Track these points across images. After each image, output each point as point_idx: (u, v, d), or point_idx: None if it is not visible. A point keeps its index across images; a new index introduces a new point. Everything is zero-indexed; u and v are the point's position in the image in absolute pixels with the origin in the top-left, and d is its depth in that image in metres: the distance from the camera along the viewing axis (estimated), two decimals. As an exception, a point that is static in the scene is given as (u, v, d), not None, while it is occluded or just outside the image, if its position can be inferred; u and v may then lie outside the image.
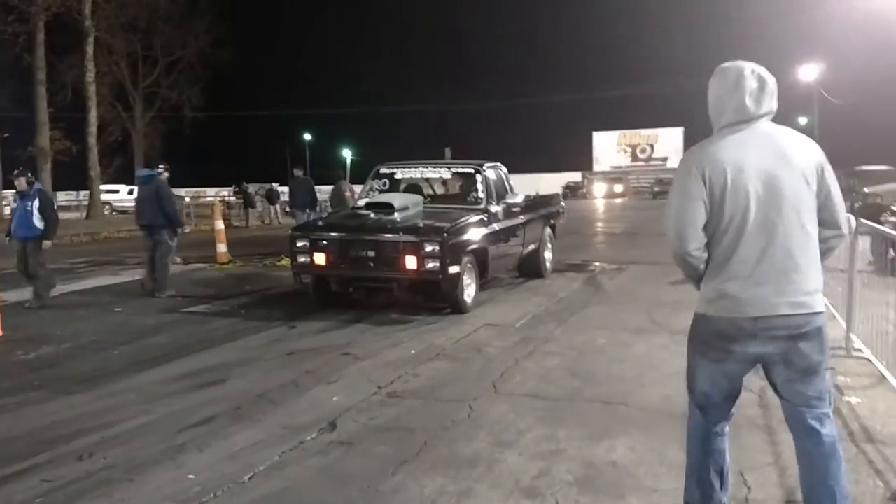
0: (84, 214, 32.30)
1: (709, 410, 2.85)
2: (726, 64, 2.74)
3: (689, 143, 58.94)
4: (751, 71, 2.68)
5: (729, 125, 2.68)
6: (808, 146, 2.67)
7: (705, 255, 2.68)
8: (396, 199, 8.48)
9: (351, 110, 74.15)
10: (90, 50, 31.44)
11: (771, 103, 2.68)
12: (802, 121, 47.20)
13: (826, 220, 2.66)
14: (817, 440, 2.66)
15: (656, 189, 48.33)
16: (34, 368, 5.93)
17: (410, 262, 7.39)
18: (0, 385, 5.43)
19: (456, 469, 3.66)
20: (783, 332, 2.58)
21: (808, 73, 39.32)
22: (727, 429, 2.90)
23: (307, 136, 62.70)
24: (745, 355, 2.67)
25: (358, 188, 11.74)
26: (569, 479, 3.51)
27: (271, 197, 28.53)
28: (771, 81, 2.69)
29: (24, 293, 9.72)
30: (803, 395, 2.67)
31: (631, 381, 5.12)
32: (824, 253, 2.69)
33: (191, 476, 3.65)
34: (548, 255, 10.36)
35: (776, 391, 2.79)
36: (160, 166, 9.98)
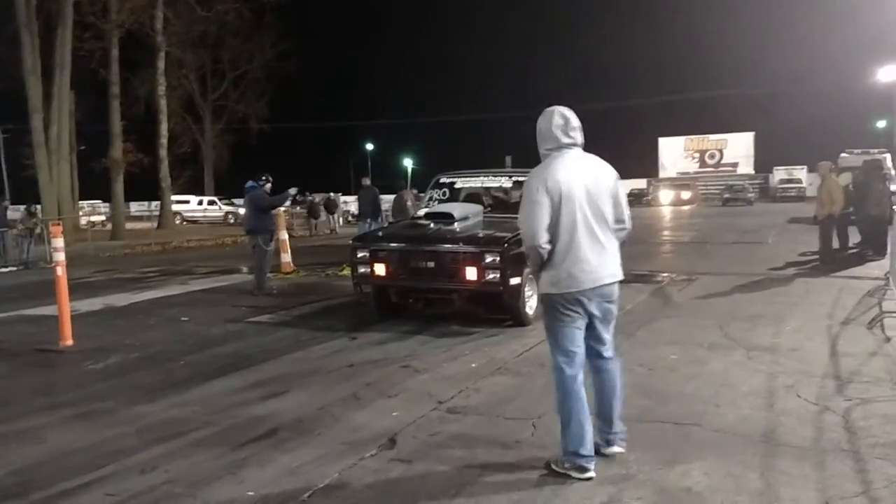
0: (155, 224, 33.31)
1: (574, 362, 3.71)
2: (548, 108, 3.84)
3: (759, 148, 57.81)
4: (560, 113, 3.80)
5: (550, 152, 3.80)
6: (609, 168, 3.88)
7: (549, 247, 3.66)
8: (456, 208, 8.38)
9: (413, 120, 74.50)
10: (161, 65, 32.51)
11: (578, 136, 3.80)
12: (881, 124, 45.33)
13: (618, 218, 3.83)
14: (612, 365, 3.88)
15: (726, 196, 46.89)
16: (102, 378, 6.04)
17: (470, 273, 7.28)
18: (69, 395, 5.55)
19: (519, 492, 3.51)
20: (606, 296, 3.76)
21: (889, 74, 37.63)
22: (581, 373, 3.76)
23: (369, 146, 63.38)
24: (585, 314, 3.71)
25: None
26: (640, 507, 3.32)
27: (329, 206, 28.91)
28: (574, 120, 3.81)
29: (96, 303, 10.03)
30: (601, 337, 3.82)
31: (705, 400, 4.87)
32: (619, 239, 3.90)
33: (250, 493, 3.61)
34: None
35: (590, 337, 3.78)
36: (263, 177, 10.80)
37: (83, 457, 4.19)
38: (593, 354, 3.83)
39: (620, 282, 3.86)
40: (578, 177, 3.68)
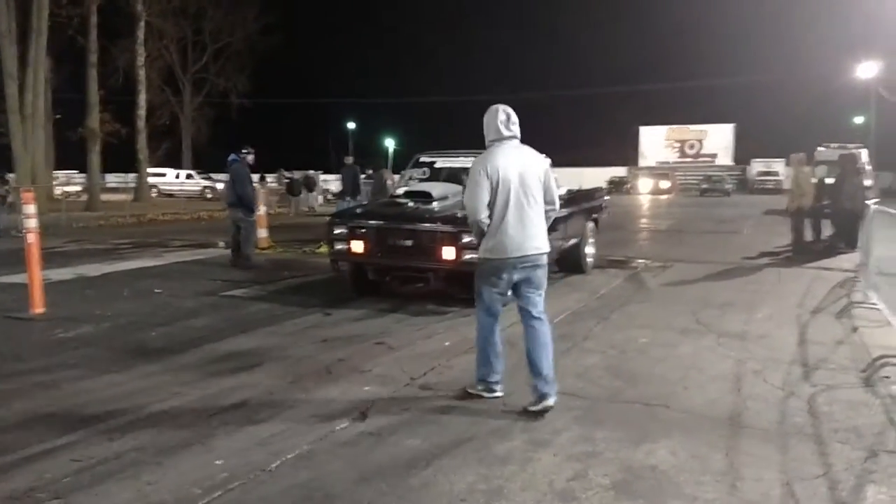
0: (131, 197, 32.88)
1: (491, 314, 4.52)
2: (493, 105, 4.52)
3: (739, 140, 58.22)
4: (503, 110, 4.48)
5: (492, 141, 4.49)
6: (539, 158, 4.55)
7: (488, 221, 4.35)
8: (435, 188, 8.36)
9: (394, 100, 74.09)
10: (141, 34, 31.98)
11: (516, 130, 4.50)
12: (858, 120, 45.84)
13: (547, 200, 4.52)
14: (540, 324, 4.49)
15: (704, 186, 47.21)
16: (72, 347, 5.97)
17: (448, 253, 7.28)
18: (38, 362, 5.49)
19: (487, 466, 3.54)
20: (530, 264, 4.42)
21: (867, 70, 38.04)
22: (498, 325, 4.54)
23: (351, 125, 62.92)
24: (510, 278, 4.43)
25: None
26: (605, 483, 3.36)
27: (308, 184, 28.71)
28: (514, 117, 4.50)
29: (67, 272, 9.91)
30: (534, 301, 4.50)
31: (674, 382, 4.93)
32: (547, 218, 4.56)
33: (219, 461, 3.61)
34: (589, 250, 10.15)
35: (518, 299, 4.53)
36: (244, 150, 10.71)
37: (50, 423, 4.15)
38: (524, 314, 4.52)
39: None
40: (513, 164, 4.39)
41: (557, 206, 4.65)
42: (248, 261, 10.53)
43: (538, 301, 4.51)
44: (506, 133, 4.46)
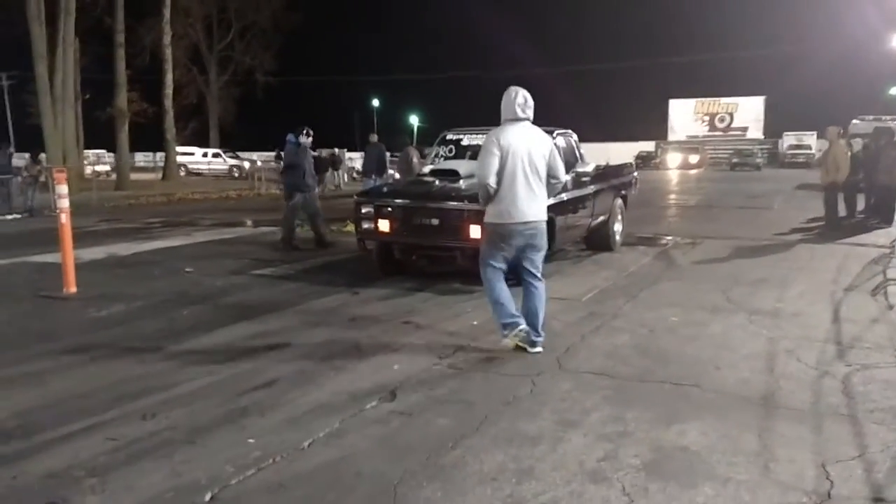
0: (160, 175, 33.22)
1: (496, 269, 5.12)
2: (512, 87, 5.12)
3: (769, 112, 57.13)
4: (522, 94, 5.08)
5: (508, 120, 5.08)
6: (546, 138, 5.16)
7: (496, 188, 4.95)
8: (462, 166, 8.30)
9: (419, 76, 73.72)
10: (167, 13, 32.03)
11: (529, 113, 5.10)
12: (894, 91, 44.66)
13: (552, 175, 5.13)
14: (539, 283, 5.14)
15: (735, 160, 46.43)
16: (105, 326, 6.07)
17: (475, 231, 7.21)
18: (72, 341, 5.58)
19: (517, 447, 3.54)
20: (532, 230, 5.02)
21: (903, 40, 36.97)
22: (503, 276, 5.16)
23: (375, 103, 62.81)
24: (516, 243, 5.03)
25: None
26: (636, 464, 3.34)
27: (335, 162, 28.75)
28: (530, 101, 5.10)
29: (99, 252, 10.06)
30: (534, 262, 5.12)
31: (705, 362, 4.87)
32: (551, 190, 5.23)
33: (251, 440, 3.64)
34: (618, 227, 10.05)
35: (521, 261, 5.11)
36: (303, 131, 10.37)
37: (85, 402, 4.22)
38: (525, 274, 5.15)
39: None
40: (523, 141, 5.00)
41: (563, 179, 5.29)
42: (286, 243, 10.29)
43: (539, 262, 5.16)
44: (521, 115, 5.07)
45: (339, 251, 10.05)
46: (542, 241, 5.11)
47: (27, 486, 3.21)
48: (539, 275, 5.14)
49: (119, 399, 4.25)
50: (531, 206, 4.98)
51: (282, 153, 12.73)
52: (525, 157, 4.96)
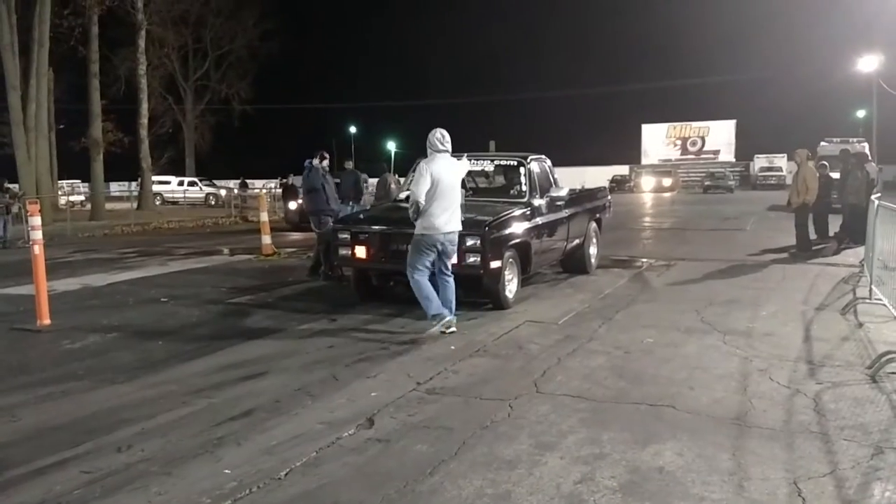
0: (135, 205, 32.95)
1: (422, 273, 6.48)
2: (436, 128, 6.65)
3: (741, 136, 58.13)
4: (441, 132, 6.64)
5: (433, 151, 6.59)
6: (463, 165, 7.03)
7: (425, 204, 6.37)
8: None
9: (395, 103, 73.99)
10: (142, 43, 32.01)
11: (448, 146, 6.62)
12: (860, 114, 45.73)
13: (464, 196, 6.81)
14: (449, 278, 6.63)
15: (707, 183, 47.10)
16: (79, 358, 6.00)
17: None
18: (45, 374, 5.52)
19: (495, 471, 3.55)
20: (451, 238, 6.54)
21: (867, 64, 37.93)
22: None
23: (353, 129, 63.02)
24: (436, 249, 6.46)
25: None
26: (613, 486, 3.37)
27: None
28: (447, 136, 6.63)
29: (73, 283, 9.95)
30: (446, 263, 6.61)
31: (679, 382, 4.93)
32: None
33: (227, 471, 3.62)
34: (593, 250, 10.16)
35: (438, 263, 6.56)
36: (317, 155, 10.09)
37: (59, 435, 4.18)
38: (440, 271, 6.59)
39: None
40: (446, 169, 6.53)
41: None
42: (327, 274, 9.71)
43: (448, 263, 6.63)
44: (442, 148, 6.59)
45: (317, 278, 10.03)
46: (454, 248, 6.65)
47: (-1, 522, 3.17)
48: (448, 270, 6.63)
49: (93, 431, 4.21)
50: (449, 220, 6.48)
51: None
52: (447, 182, 6.46)
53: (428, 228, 6.40)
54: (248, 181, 42.82)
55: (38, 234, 7.38)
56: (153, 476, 3.58)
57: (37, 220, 7.45)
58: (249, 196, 32.07)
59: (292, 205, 19.55)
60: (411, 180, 6.55)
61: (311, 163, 10.12)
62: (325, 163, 10.13)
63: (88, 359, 5.96)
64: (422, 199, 6.35)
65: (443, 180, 6.39)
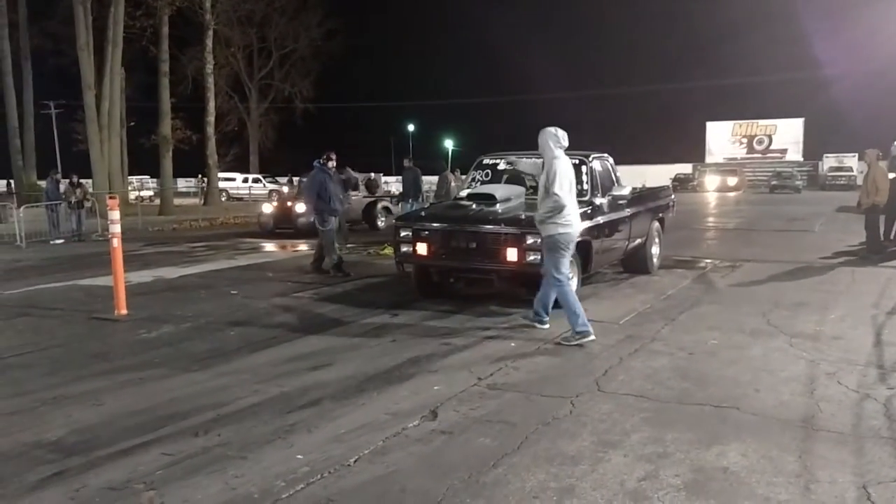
0: (202, 201, 33.94)
1: (567, 276, 6.30)
2: (551, 127, 6.38)
3: (809, 134, 56.36)
4: (563, 131, 6.37)
5: (558, 149, 6.30)
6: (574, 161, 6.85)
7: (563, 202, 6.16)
8: (498, 190, 8.43)
9: (455, 101, 74.36)
10: (209, 42, 32.97)
11: (566, 144, 6.36)
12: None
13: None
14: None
15: (774, 183, 45.73)
16: (155, 346, 6.29)
17: (511, 255, 7.33)
18: (124, 361, 5.81)
19: (558, 466, 3.61)
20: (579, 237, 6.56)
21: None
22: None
23: (411, 127, 63.52)
24: (571, 248, 6.31)
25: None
26: (677, 484, 3.39)
27: (370, 186, 29.11)
28: (564, 135, 6.38)
29: (147, 275, 10.35)
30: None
31: (744, 384, 4.89)
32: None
33: (300, 456, 3.78)
34: (655, 250, 10.06)
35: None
36: (324, 156, 10.36)
37: (140, 419, 4.41)
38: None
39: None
40: (569, 167, 6.38)
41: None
42: (328, 266, 10.27)
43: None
44: (565, 145, 6.37)
45: (378, 274, 10.22)
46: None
47: (89, 498, 3.38)
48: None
49: (172, 416, 4.42)
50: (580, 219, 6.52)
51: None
52: (573, 179, 6.38)
53: (567, 226, 6.18)
54: (294, 178, 43.15)
55: (116, 228, 7.73)
56: (230, 459, 3.75)
57: (115, 215, 7.79)
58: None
59: (266, 207, 18.08)
60: (547, 180, 6.16)
61: (318, 163, 10.37)
62: (332, 164, 10.42)
63: (164, 347, 6.24)
64: (564, 199, 6.12)
65: (572, 179, 6.34)
